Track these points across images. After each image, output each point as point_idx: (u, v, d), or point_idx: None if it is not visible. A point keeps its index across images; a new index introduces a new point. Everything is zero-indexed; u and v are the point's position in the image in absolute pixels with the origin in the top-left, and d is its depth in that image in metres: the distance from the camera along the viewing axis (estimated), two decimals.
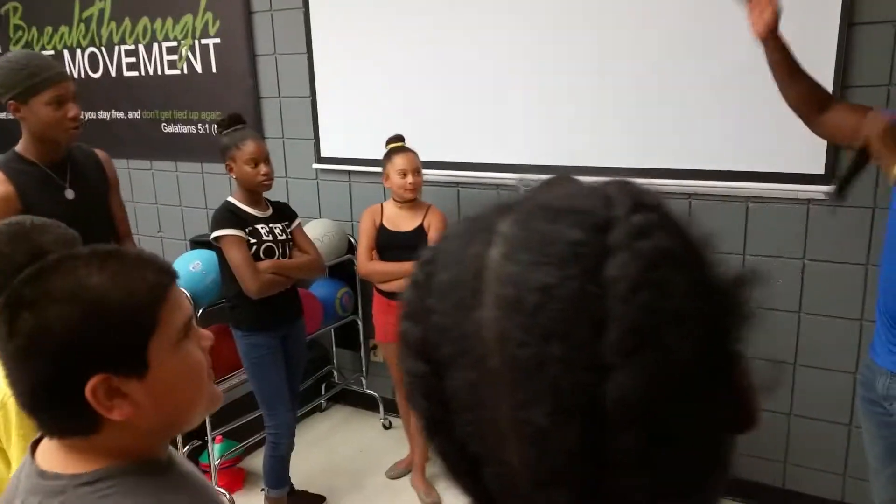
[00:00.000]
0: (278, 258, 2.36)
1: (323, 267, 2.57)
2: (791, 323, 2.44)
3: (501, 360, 0.35)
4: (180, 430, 0.87)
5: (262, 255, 2.32)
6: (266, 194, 2.41)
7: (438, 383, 0.38)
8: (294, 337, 2.48)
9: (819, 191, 2.27)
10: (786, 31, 1.65)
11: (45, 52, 4.10)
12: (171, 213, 3.94)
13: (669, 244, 0.37)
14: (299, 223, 2.53)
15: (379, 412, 3.39)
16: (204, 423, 2.65)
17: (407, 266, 2.55)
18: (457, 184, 2.98)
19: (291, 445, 2.48)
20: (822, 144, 2.23)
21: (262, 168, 2.31)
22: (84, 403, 0.73)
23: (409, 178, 2.56)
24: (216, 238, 2.29)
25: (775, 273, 2.42)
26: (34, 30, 4.11)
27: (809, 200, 2.32)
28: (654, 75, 2.47)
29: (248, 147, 2.29)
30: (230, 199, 2.40)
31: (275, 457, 2.44)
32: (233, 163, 2.33)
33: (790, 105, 1.72)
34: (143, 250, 0.82)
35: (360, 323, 3.33)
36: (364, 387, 3.46)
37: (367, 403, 3.47)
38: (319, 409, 3.51)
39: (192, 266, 2.60)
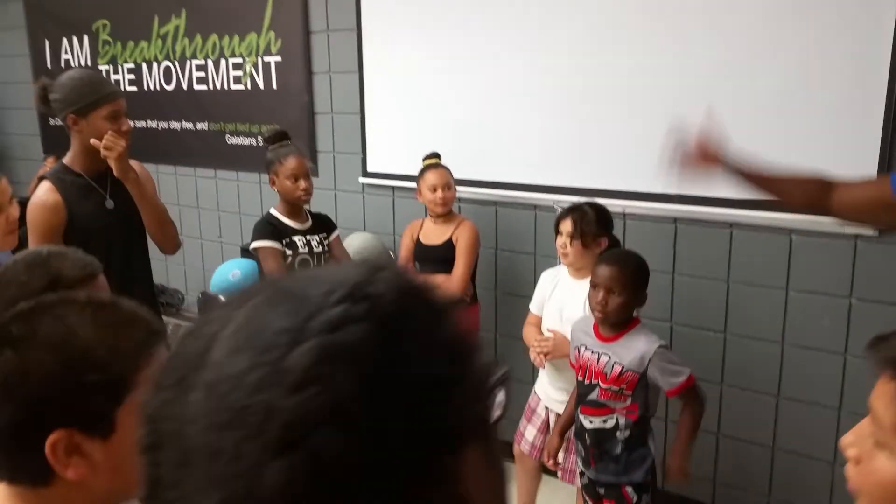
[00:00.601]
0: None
1: None
2: (835, 366, 2.31)
3: (193, 443, 0.34)
4: (130, 499, 0.81)
5: (296, 266, 2.40)
6: (314, 205, 2.50)
7: (156, 455, 0.37)
8: None
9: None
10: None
11: (126, 66, 4.39)
12: (231, 219, 4.11)
13: (354, 339, 0.34)
14: (338, 235, 2.61)
15: None
16: None
17: (434, 278, 2.58)
18: (495, 203, 2.99)
19: None
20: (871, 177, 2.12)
21: (302, 183, 2.40)
22: (41, 454, 0.71)
23: (440, 193, 2.60)
24: (254, 248, 2.38)
25: (821, 311, 2.30)
26: (119, 44, 4.41)
27: (857, 236, 2.20)
28: (696, 100, 2.40)
29: (290, 163, 2.40)
30: (272, 210, 2.50)
31: None
32: (275, 176, 2.44)
33: (796, 210, 1.64)
34: (138, 306, 0.82)
35: None
36: None
37: None
38: None
39: (231, 274, 2.71)
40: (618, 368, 1.93)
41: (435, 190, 2.60)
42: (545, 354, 2.28)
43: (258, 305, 0.37)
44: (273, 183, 2.46)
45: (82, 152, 2.11)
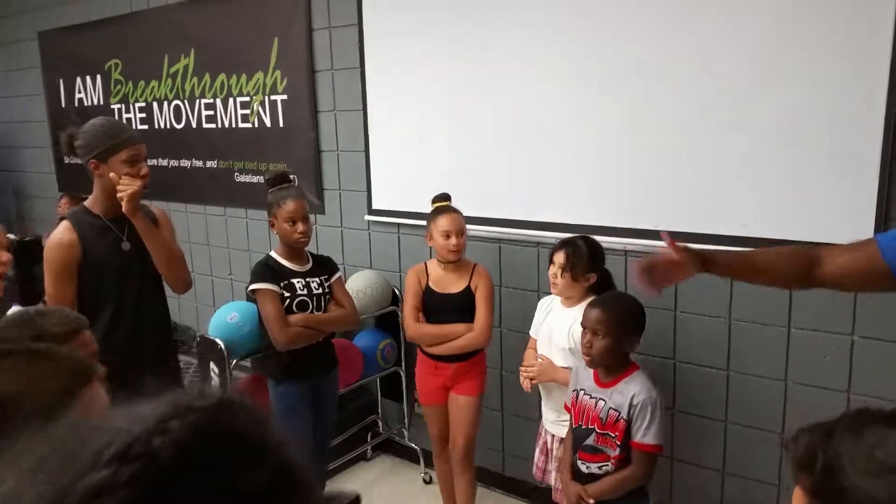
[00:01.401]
0: (311, 312, 2.45)
1: (356, 321, 2.63)
2: (839, 403, 2.28)
3: None
4: None
5: (294, 308, 2.41)
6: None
7: None
8: (325, 389, 2.54)
9: None
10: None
11: (137, 105, 4.48)
12: (240, 257, 4.15)
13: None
14: (339, 277, 2.61)
15: (420, 465, 3.40)
16: None
17: (457, 328, 2.56)
18: (499, 240, 3.00)
19: None
20: (868, 211, 2.11)
21: (300, 226, 2.42)
22: None
23: (453, 240, 2.54)
24: (252, 290, 2.41)
25: (822, 349, 2.27)
26: (130, 84, 4.50)
27: None
28: (692, 137, 2.41)
29: (288, 206, 2.42)
30: (272, 252, 2.52)
31: None
32: (274, 219, 2.46)
33: (782, 288, 1.60)
34: (73, 350, 0.85)
35: (402, 375, 3.37)
36: (406, 439, 3.48)
37: (411, 455, 3.49)
38: (364, 457, 3.55)
39: (229, 317, 2.73)
40: (613, 415, 1.92)
41: (448, 236, 2.53)
42: (531, 379, 2.40)
43: (26, 471, 0.36)
44: (273, 225, 2.48)
45: (102, 195, 2.19)
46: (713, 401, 2.54)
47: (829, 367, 2.28)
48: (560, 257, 2.32)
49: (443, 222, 2.56)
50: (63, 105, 5.01)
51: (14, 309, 5.26)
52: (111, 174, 2.11)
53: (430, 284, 2.62)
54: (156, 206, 2.41)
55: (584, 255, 2.30)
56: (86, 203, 2.21)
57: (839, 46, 2.10)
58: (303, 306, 2.43)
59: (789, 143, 2.23)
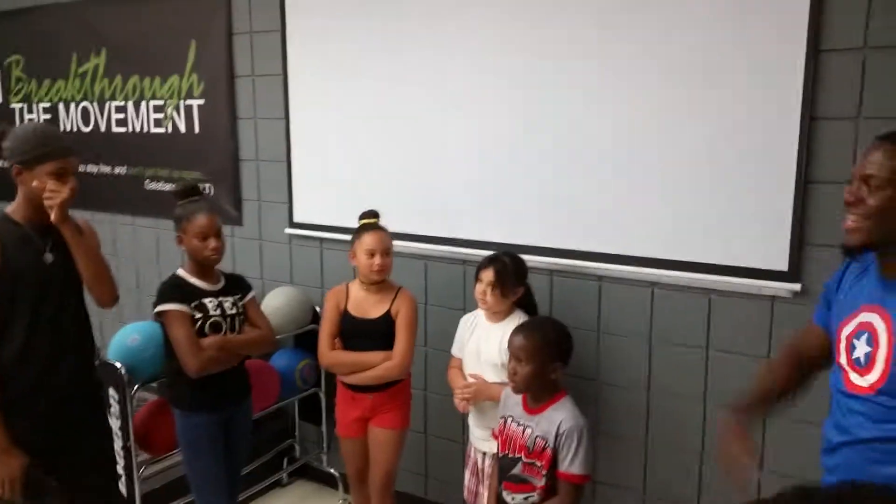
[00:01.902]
0: (225, 333, 2.29)
1: (273, 342, 2.49)
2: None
3: None
4: None
5: (207, 330, 2.25)
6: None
7: None
8: (238, 419, 2.38)
9: (783, 288, 2.18)
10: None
11: (41, 105, 4.18)
12: (149, 270, 3.92)
13: None
14: (254, 296, 2.46)
15: (339, 491, 3.27)
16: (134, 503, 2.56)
17: (374, 357, 2.42)
18: (425, 257, 2.92)
19: None
20: (785, 240, 2.16)
21: (212, 242, 2.26)
22: None
23: (377, 260, 2.41)
24: (159, 312, 2.23)
25: (741, 370, 2.31)
26: (33, 82, 4.20)
27: (774, 297, 2.22)
28: (616, 158, 2.42)
29: (199, 220, 2.26)
30: (179, 271, 2.35)
31: None
32: (183, 234, 2.30)
33: (811, 381, 1.68)
34: None
35: (322, 396, 3.23)
36: (325, 464, 3.34)
37: (330, 481, 3.35)
38: (280, 483, 3.39)
39: (130, 340, 2.53)
40: (540, 443, 1.87)
41: (373, 255, 2.41)
42: (467, 400, 2.35)
43: None
44: (181, 241, 2.31)
45: (25, 203, 2.06)
46: (635, 422, 2.54)
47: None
48: (489, 275, 2.30)
49: (367, 240, 2.44)
50: None
51: None
52: (35, 182, 1.98)
53: (349, 308, 2.49)
54: (79, 217, 2.23)
55: (511, 270, 2.31)
56: (7, 210, 2.07)
57: (756, 74, 2.14)
58: (216, 328, 2.27)
59: (710, 167, 2.26)
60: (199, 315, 2.24)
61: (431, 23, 2.72)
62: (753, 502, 0.72)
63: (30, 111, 4.24)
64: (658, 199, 2.36)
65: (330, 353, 2.49)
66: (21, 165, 1.99)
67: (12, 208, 2.08)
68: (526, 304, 2.42)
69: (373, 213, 2.54)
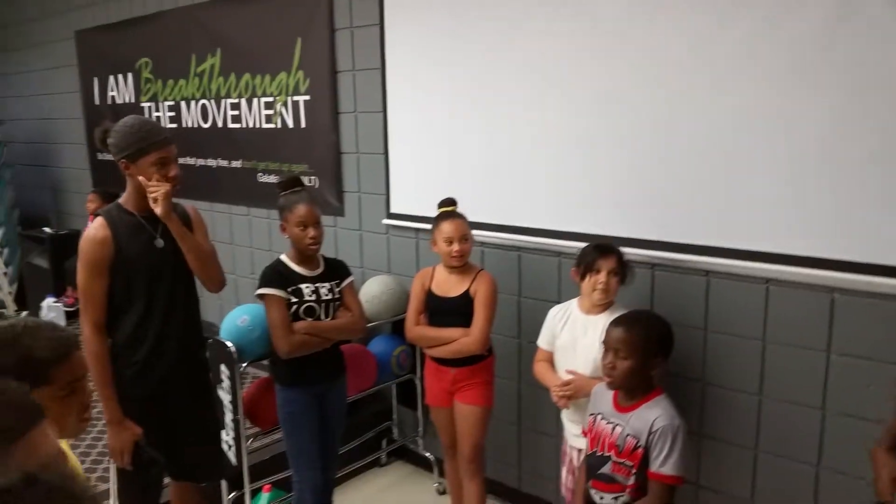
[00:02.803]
0: (319, 318, 2.36)
1: (363, 328, 2.53)
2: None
3: None
4: None
5: (301, 314, 2.34)
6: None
7: None
8: (332, 396, 2.47)
9: None
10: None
11: (166, 103, 4.48)
12: (263, 256, 4.10)
13: None
14: (351, 282, 2.52)
15: (434, 475, 3.30)
16: (242, 472, 2.69)
17: (453, 332, 2.50)
18: (518, 248, 2.87)
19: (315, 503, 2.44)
20: None
21: (311, 231, 2.34)
22: None
23: (455, 246, 2.47)
24: (259, 295, 2.33)
25: (866, 377, 2.09)
26: (159, 82, 4.51)
27: None
28: (723, 148, 2.25)
29: (299, 211, 2.35)
30: (282, 257, 2.45)
31: None
32: (285, 223, 2.40)
33: None
34: (19, 385, 0.80)
35: (417, 382, 3.26)
36: (421, 447, 3.38)
37: (425, 464, 3.39)
38: (379, 463, 3.47)
39: (239, 321, 2.67)
40: (631, 442, 1.78)
41: (451, 242, 2.47)
42: (567, 398, 2.29)
43: None
44: (283, 229, 2.41)
45: (134, 193, 2.18)
46: (743, 428, 2.37)
47: (872, 396, 2.09)
48: (611, 262, 2.25)
49: (446, 228, 2.49)
50: (97, 102, 5.06)
51: (48, 301, 5.28)
52: (140, 177, 2.11)
53: (433, 288, 2.58)
54: (189, 205, 2.37)
55: (624, 258, 2.29)
56: (120, 201, 2.21)
57: (882, 64, 1.92)
58: (310, 312, 2.35)
59: (834, 155, 2.05)
60: (294, 300, 2.32)
61: (527, 15, 2.65)
62: None
63: (157, 109, 4.56)
64: (775, 190, 2.17)
65: (414, 328, 2.60)
66: (126, 160, 2.11)
67: (124, 198, 2.21)
68: None
69: (450, 201, 2.59)
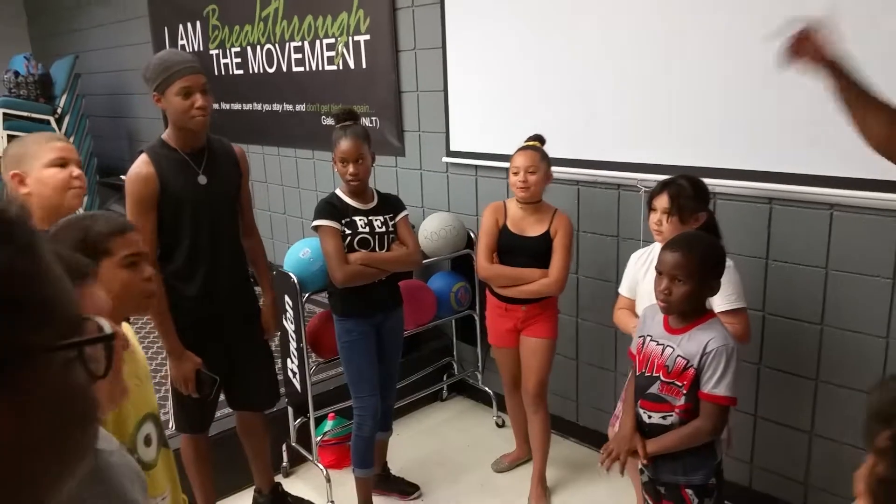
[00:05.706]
0: (373, 250, 2.42)
1: (417, 261, 2.58)
2: (878, 348, 2.07)
3: None
4: None
5: (356, 245, 2.39)
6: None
7: None
8: (388, 326, 2.54)
9: None
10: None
11: (233, 49, 4.59)
12: None
13: None
14: (405, 216, 2.55)
15: (493, 409, 3.39)
16: (307, 399, 2.83)
17: (532, 272, 2.50)
18: (577, 182, 2.86)
19: (375, 428, 2.54)
20: None
21: (350, 168, 2.36)
22: None
23: (520, 176, 2.45)
24: (314, 227, 2.41)
25: (861, 293, 2.03)
26: (226, 29, 4.62)
27: None
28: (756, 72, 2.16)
29: (341, 147, 2.38)
30: (336, 190, 2.50)
31: (359, 437, 2.52)
32: (334, 158, 2.43)
33: (871, 146, 1.46)
34: (74, 253, 0.89)
35: (476, 319, 3.33)
36: (480, 382, 3.47)
37: (484, 398, 3.48)
38: (440, 397, 3.58)
39: (301, 253, 2.77)
40: (681, 363, 1.78)
41: (517, 173, 2.46)
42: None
43: None
44: (335, 162, 2.44)
45: (174, 129, 2.21)
46: (804, 358, 2.33)
47: (866, 312, 2.03)
48: (663, 201, 2.07)
49: (516, 159, 2.50)
50: None
51: None
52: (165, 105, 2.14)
53: (508, 224, 2.56)
54: (237, 146, 2.41)
55: (689, 194, 2.06)
56: (163, 136, 2.23)
57: None
58: (364, 244, 2.41)
59: None
60: (348, 231, 2.38)
61: None
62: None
63: (224, 56, 4.68)
64: (784, 110, 2.08)
65: (490, 266, 2.56)
66: (157, 92, 2.14)
67: (167, 134, 2.23)
68: (709, 232, 2.13)
69: (535, 137, 2.56)
